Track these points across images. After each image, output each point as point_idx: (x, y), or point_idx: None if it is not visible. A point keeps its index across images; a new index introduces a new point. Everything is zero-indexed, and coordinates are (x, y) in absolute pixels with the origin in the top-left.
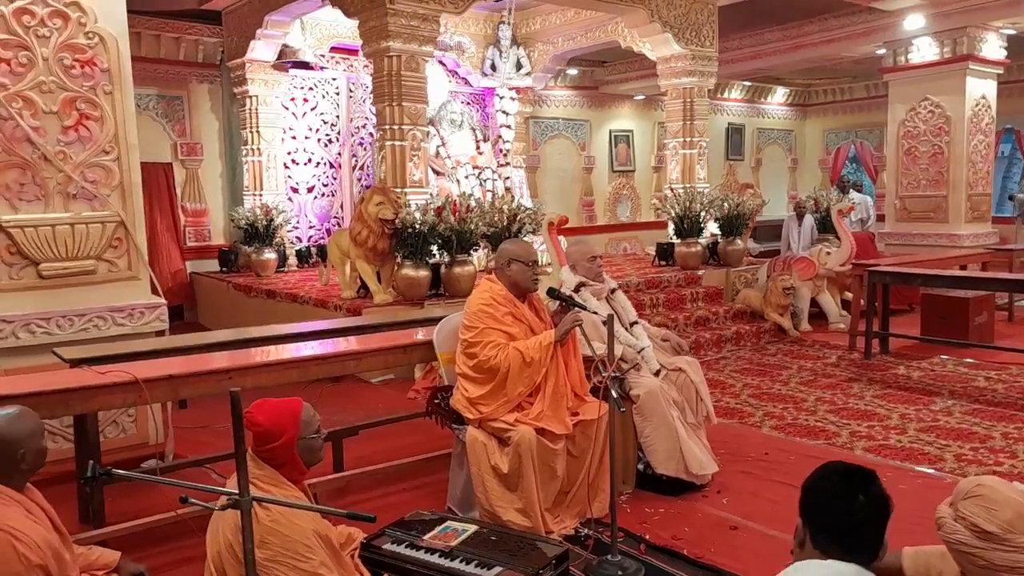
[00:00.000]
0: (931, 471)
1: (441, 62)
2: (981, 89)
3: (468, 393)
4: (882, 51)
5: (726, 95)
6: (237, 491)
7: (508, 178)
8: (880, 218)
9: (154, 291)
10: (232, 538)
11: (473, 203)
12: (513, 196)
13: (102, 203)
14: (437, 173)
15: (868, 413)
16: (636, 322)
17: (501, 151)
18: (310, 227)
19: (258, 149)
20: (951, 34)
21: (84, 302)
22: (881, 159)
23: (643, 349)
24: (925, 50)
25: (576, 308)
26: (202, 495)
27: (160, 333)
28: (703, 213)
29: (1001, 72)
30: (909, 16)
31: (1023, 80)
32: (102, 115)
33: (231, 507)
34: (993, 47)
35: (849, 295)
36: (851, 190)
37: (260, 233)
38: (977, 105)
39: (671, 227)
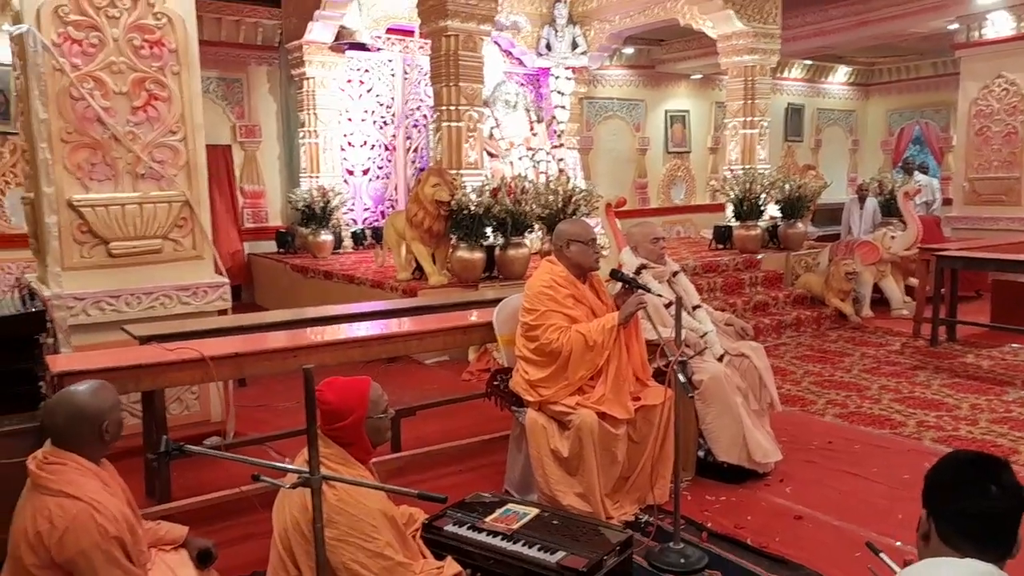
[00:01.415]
0: None
1: (496, 42)
2: None
3: (528, 376)
4: (954, 26)
5: (786, 74)
6: (307, 469)
7: (562, 159)
8: (946, 201)
9: (217, 270)
10: (299, 516)
11: (528, 185)
12: (568, 178)
13: (169, 183)
14: (491, 155)
15: (936, 402)
16: (699, 306)
17: (555, 132)
18: (365, 209)
19: (315, 131)
20: None
21: (151, 280)
22: (947, 140)
23: (706, 334)
24: (1000, 25)
25: (640, 291)
26: (272, 473)
27: (223, 312)
28: (763, 195)
29: None
30: None
31: None
32: (170, 95)
33: (301, 485)
34: None
35: (913, 281)
36: (917, 172)
37: (317, 215)
38: None
39: (729, 209)
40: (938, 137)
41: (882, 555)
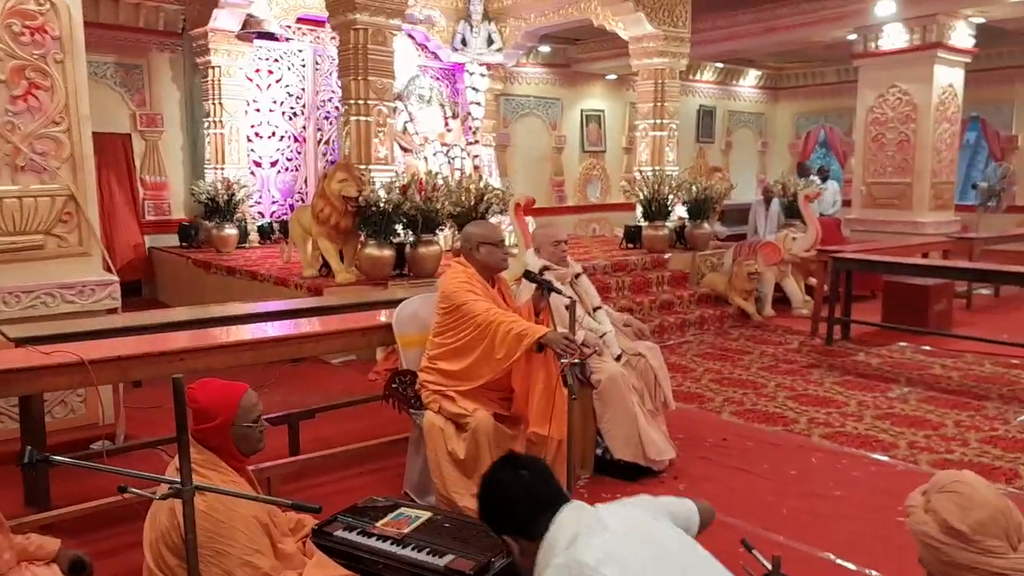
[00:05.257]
0: (885, 458)
1: (411, 35)
2: (949, 77)
3: (434, 356)
4: (853, 36)
5: (698, 76)
6: (178, 479)
7: (477, 156)
8: (847, 203)
9: (106, 268)
10: (169, 524)
11: (440, 182)
12: (481, 175)
13: (52, 176)
14: (404, 150)
15: (827, 399)
16: (599, 307)
17: (470, 128)
18: (273, 202)
19: (220, 121)
20: (921, 21)
21: (32, 278)
22: (851, 144)
23: (605, 334)
24: (895, 37)
25: (550, 291)
26: (143, 483)
27: (112, 311)
28: (671, 196)
29: (969, 61)
30: (880, 2)
31: (990, 69)
32: (52, 85)
33: (173, 496)
34: (962, 35)
35: (813, 281)
36: (815, 176)
37: (221, 208)
38: (944, 93)
39: (639, 210)
40: (842, 141)
41: (755, 552)
